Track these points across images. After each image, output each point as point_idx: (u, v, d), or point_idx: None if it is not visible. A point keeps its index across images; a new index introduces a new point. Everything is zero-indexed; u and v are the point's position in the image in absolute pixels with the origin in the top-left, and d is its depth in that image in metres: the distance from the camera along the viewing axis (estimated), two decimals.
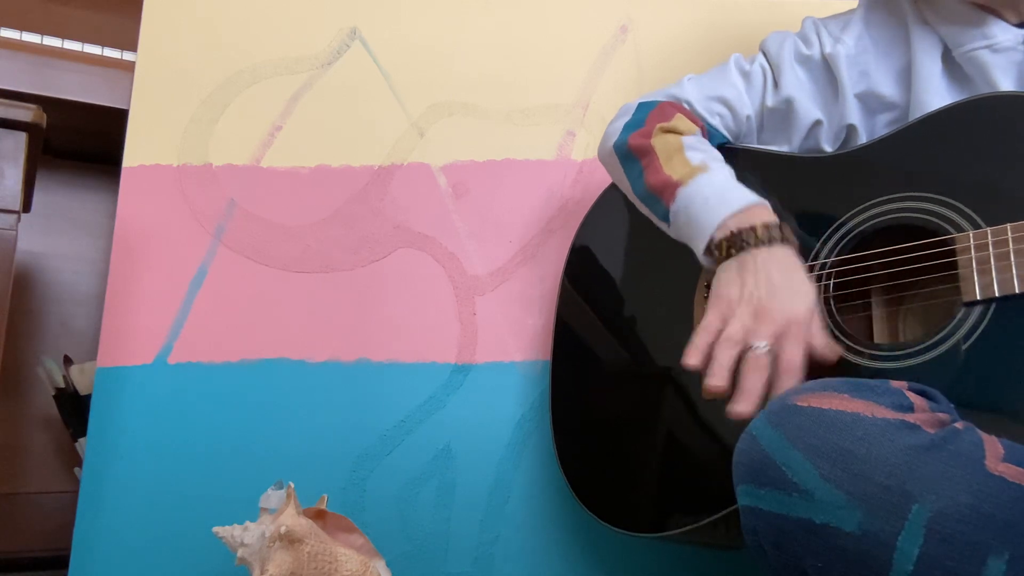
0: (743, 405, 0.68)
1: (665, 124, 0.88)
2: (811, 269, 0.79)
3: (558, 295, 1.03)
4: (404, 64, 1.16)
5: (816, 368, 0.71)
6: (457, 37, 1.18)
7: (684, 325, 0.88)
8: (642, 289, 0.94)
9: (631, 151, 0.89)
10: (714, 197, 0.79)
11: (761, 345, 0.70)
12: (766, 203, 0.79)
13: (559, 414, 0.98)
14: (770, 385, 0.69)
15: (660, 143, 0.87)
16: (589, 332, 0.98)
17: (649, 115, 0.91)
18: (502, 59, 1.18)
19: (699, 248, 0.79)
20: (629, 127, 0.91)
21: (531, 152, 1.15)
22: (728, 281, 0.75)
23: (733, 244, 0.76)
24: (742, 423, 0.63)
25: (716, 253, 0.77)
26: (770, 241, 0.75)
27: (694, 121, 0.91)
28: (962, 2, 0.81)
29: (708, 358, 0.72)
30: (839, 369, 0.72)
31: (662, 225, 0.86)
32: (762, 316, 0.71)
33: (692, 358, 0.72)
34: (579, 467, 0.93)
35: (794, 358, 0.69)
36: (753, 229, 0.75)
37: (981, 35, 0.79)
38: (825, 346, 0.71)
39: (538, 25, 1.20)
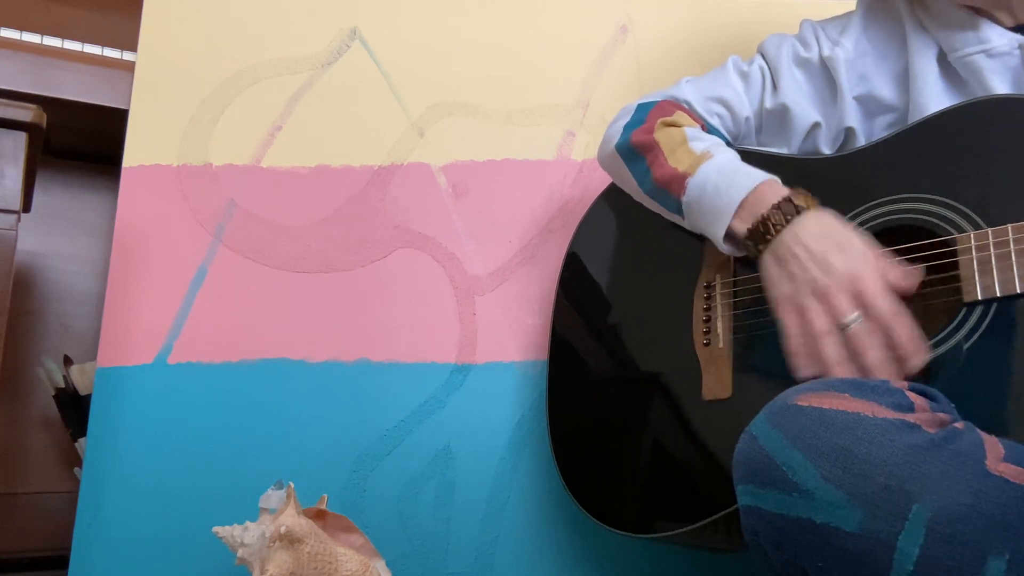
0: (894, 372, 0.65)
1: (667, 118, 0.88)
2: None
3: (554, 298, 1.03)
4: (404, 64, 1.16)
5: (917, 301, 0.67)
6: (457, 37, 1.18)
7: (682, 326, 0.87)
8: (638, 292, 0.94)
9: (634, 148, 0.89)
10: (723, 183, 0.79)
11: (849, 319, 0.67)
12: (774, 178, 0.78)
13: (556, 417, 0.98)
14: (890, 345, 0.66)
15: (663, 137, 0.87)
16: (585, 335, 0.98)
17: (650, 113, 0.91)
18: (502, 59, 1.18)
19: (717, 236, 0.79)
20: (630, 126, 0.90)
21: (531, 152, 1.15)
22: (775, 279, 0.74)
23: (758, 240, 0.75)
24: (740, 424, 0.62)
25: (741, 247, 0.77)
26: (787, 219, 0.73)
27: (694, 119, 0.91)
28: (957, 7, 0.81)
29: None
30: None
31: (675, 218, 0.86)
32: (827, 294, 0.69)
33: (806, 370, 0.70)
34: (577, 470, 0.93)
35: (885, 308, 0.66)
36: (766, 219, 0.74)
37: (976, 39, 0.79)
38: (903, 275, 0.69)
39: (538, 25, 1.20)
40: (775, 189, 0.77)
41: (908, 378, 0.65)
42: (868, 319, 0.67)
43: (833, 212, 0.74)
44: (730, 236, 0.79)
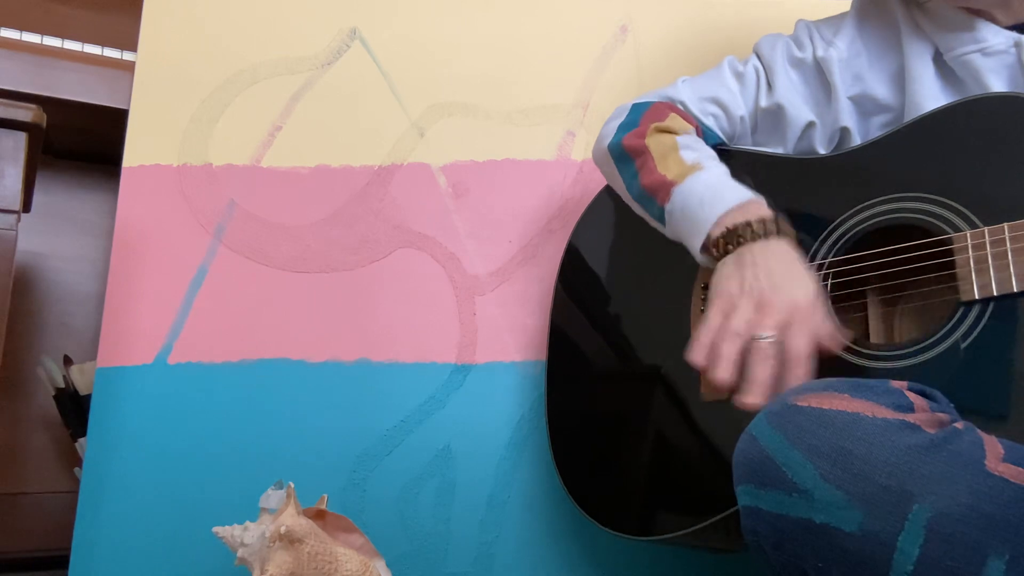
0: (753, 396, 0.67)
1: (660, 124, 0.88)
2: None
3: (553, 297, 1.03)
4: (404, 64, 1.16)
5: (823, 360, 0.70)
6: (457, 37, 1.18)
7: (680, 326, 0.88)
8: (637, 291, 0.94)
9: (625, 151, 0.89)
10: (709, 195, 0.79)
11: (766, 335, 0.69)
12: (761, 199, 0.79)
13: (555, 417, 0.98)
14: (777, 377, 0.68)
15: (654, 143, 0.87)
16: (584, 335, 0.98)
17: (643, 115, 0.91)
18: (502, 59, 1.18)
19: (695, 247, 0.79)
20: (623, 128, 0.91)
21: (531, 152, 1.15)
22: (727, 276, 0.75)
23: (730, 240, 0.75)
24: (739, 424, 0.63)
25: (713, 251, 0.77)
26: (766, 234, 0.74)
27: (688, 121, 0.91)
28: (953, 7, 0.81)
29: (713, 355, 0.71)
30: (837, 369, 0.72)
31: (657, 225, 0.86)
32: (765, 307, 0.70)
33: (697, 355, 0.72)
34: (576, 471, 0.93)
35: (800, 347, 0.68)
36: (749, 224, 0.75)
37: (972, 39, 0.79)
38: (830, 334, 0.71)
39: (538, 25, 1.20)
40: (762, 207, 0.78)
41: (908, 378, 0.66)
42: (778, 346, 0.69)
43: (800, 255, 0.75)
44: (706, 247, 0.79)
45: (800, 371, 0.68)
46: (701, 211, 0.79)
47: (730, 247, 0.76)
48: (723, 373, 0.69)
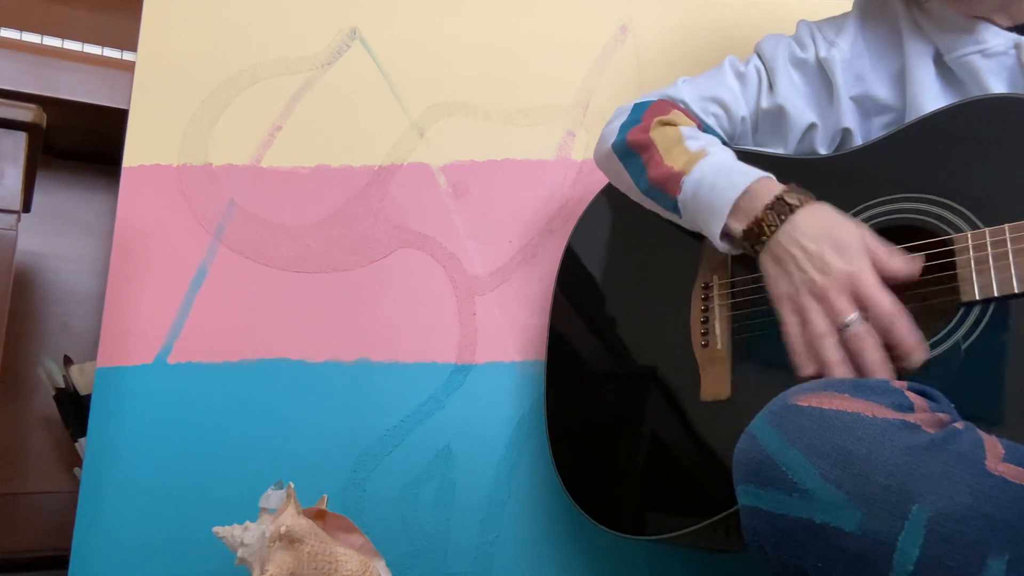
0: (887, 375, 0.65)
1: (663, 117, 0.89)
2: None
3: (552, 297, 1.03)
4: (404, 64, 1.16)
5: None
6: (457, 37, 1.18)
7: (680, 327, 0.87)
8: (636, 291, 0.94)
9: (630, 147, 0.89)
10: (719, 180, 0.79)
11: (849, 320, 0.67)
12: (769, 175, 0.78)
13: (554, 418, 0.98)
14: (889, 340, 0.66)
15: (659, 136, 0.87)
16: (583, 336, 0.98)
17: (646, 112, 0.91)
18: (502, 59, 1.18)
19: (714, 234, 0.79)
20: (626, 126, 0.91)
21: (531, 152, 1.15)
22: (775, 278, 0.74)
23: (754, 240, 0.75)
24: (739, 425, 0.63)
25: (738, 246, 0.78)
26: (781, 219, 0.73)
27: (690, 118, 0.91)
28: (953, 10, 0.81)
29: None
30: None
31: (673, 217, 0.86)
32: (825, 295, 0.69)
33: (806, 369, 0.70)
34: (576, 471, 0.93)
35: (883, 305, 0.66)
36: (761, 220, 0.74)
37: (972, 40, 0.79)
38: (903, 263, 0.69)
39: (538, 25, 1.20)
40: (769, 187, 0.77)
41: (907, 378, 0.65)
42: (867, 319, 0.67)
43: (829, 205, 0.74)
44: (727, 234, 0.79)
45: (902, 324, 0.66)
46: (713, 198, 0.79)
47: (757, 248, 0.75)
48: (844, 373, 0.67)
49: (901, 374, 0.67)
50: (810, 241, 0.71)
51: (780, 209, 0.74)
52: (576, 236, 1.04)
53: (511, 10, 1.20)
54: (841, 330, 0.68)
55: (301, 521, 0.77)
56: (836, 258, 0.69)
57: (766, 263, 0.75)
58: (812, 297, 0.70)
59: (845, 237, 0.70)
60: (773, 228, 0.74)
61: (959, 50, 0.80)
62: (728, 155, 0.83)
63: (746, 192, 0.77)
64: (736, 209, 0.77)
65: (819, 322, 0.69)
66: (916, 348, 0.66)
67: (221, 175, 1.10)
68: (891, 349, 0.67)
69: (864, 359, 0.67)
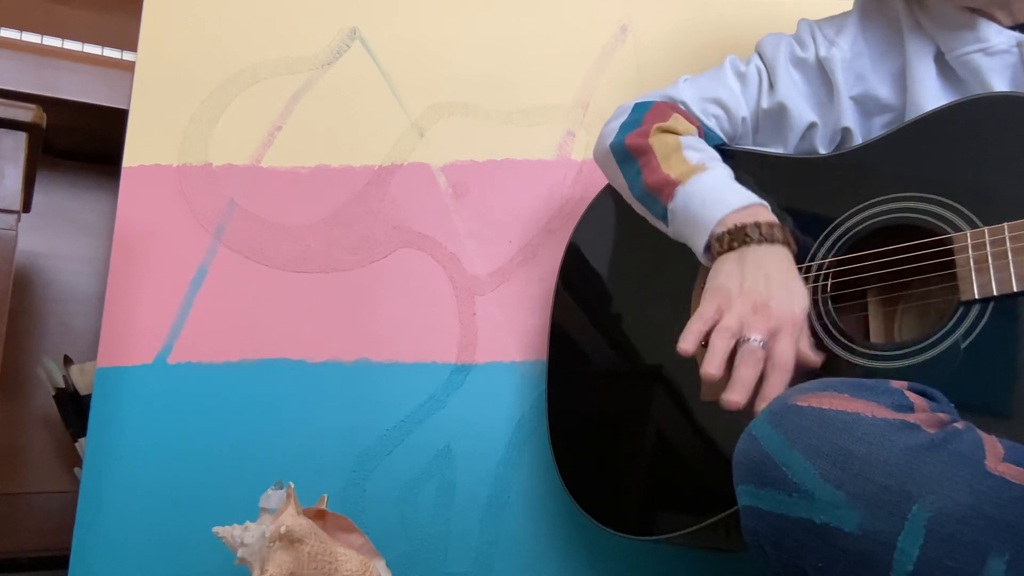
0: (737, 395, 0.69)
1: (663, 124, 0.88)
2: (808, 269, 0.79)
3: (553, 296, 1.03)
4: (404, 64, 1.16)
5: (802, 373, 0.71)
6: (457, 37, 1.18)
7: (680, 327, 0.87)
8: (638, 290, 0.94)
9: (628, 151, 0.89)
10: (713, 196, 0.79)
11: (756, 338, 0.70)
12: (765, 203, 0.79)
13: (555, 417, 0.98)
14: (759, 380, 0.70)
15: (658, 142, 0.87)
16: (585, 334, 0.98)
17: (646, 115, 0.91)
18: (502, 59, 1.18)
19: (699, 246, 0.79)
20: (626, 127, 0.91)
21: (531, 152, 1.15)
22: (728, 273, 0.75)
23: (735, 237, 0.76)
24: (739, 424, 0.63)
25: (716, 246, 0.77)
26: (772, 240, 0.75)
27: (691, 122, 0.91)
28: (955, 7, 0.81)
29: (702, 346, 0.72)
30: (838, 369, 0.73)
31: (660, 225, 0.86)
32: (760, 311, 0.71)
33: (687, 343, 0.73)
34: (576, 471, 0.93)
35: (787, 355, 0.70)
36: (757, 225, 0.75)
37: (974, 39, 0.79)
38: (809, 352, 0.72)
39: (538, 25, 1.20)
40: (765, 211, 0.78)
41: (907, 378, 0.66)
42: (764, 350, 0.70)
43: (798, 267, 0.77)
44: (709, 247, 0.79)
45: (783, 377, 0.69)
46: (704, 211, 0.79)
47: (735, 244, 0.76)
48: (714, 368, 0.70)
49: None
50: (777, 271, 0.74)
51: (774, 233, 0.76)
52: (578, 235, 1.04)
53: (511, 10, 1.20)
54: (742, 341, 0.71)
55: (301, 521, 0.77)
56: (788, 297, 0.72)
57: (728, 261, 0.76)
58: (748, 303, 0.72)
59: (802, 292, 0.73)
60: (760, 240, 0.75)
61: (960, 48, 0.80)
62: (726, 173, 0.83)
63: (740, 210, 0.77)
64: (724, 222, 0.77)
65: (736, 323, 0.72)
66: (763, 401, 0.68)
67: (221, 175, 1.10)
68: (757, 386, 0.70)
69: (737, 371, 0.70)
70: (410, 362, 1.07)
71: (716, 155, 0.87)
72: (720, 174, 0.82)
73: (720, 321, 0.73)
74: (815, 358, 0.72)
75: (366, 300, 1.08)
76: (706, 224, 0.78)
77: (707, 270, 0.87)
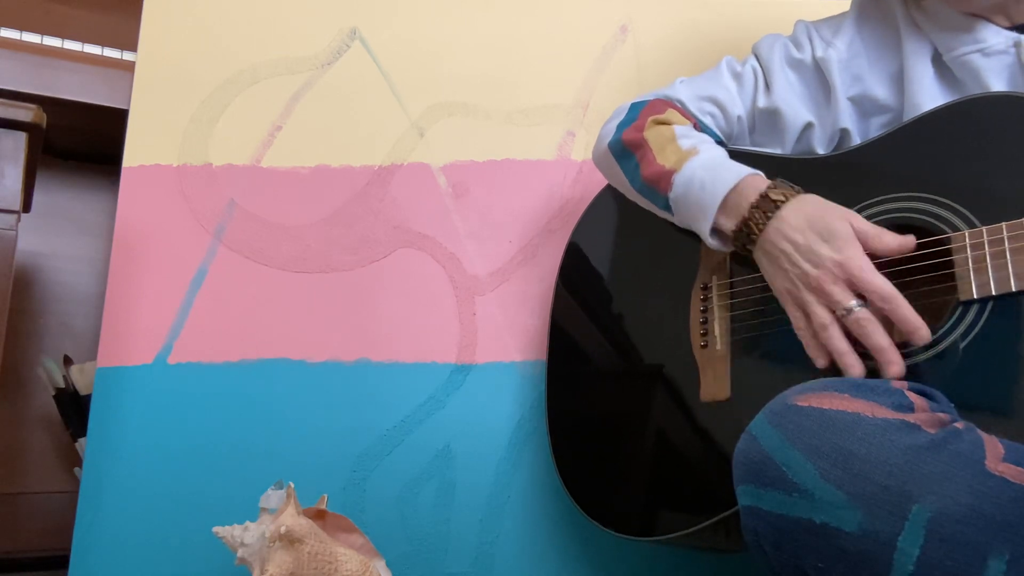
0: (890, 367, 0.66)
1: (658, 116, 0.89)
2: None
3: (553, 296, 1.03)
4: (404, 64, 1.16)
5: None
6: (457, 37, 1.18)
7: (680, 326, 0.88)
8: (637, 291, 0.94)
9: (625, 146, 0.89)
10: (707, 178, 0.79)
11: (848, 307, 0.68)
12: (757, 172, 0.78)
13: (555, 417, 0.98)
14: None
15: (653, 135, 0.87)
16: (585, 334, 0.98)
17: (642, 111, 0.91)
18: (502, 59, 1.18)
19: (704, 231, 0.80)
20: (622, 125, 0.91)
21: (531, 152, 1.15)
22: (771, 276, 0.75)
23: (745, 240, 0.76)
24: (739, 424, 0.63)
25: (729, 243, 0.78)
26: (767, 216, 0.74)
27: (687, 117, 0.91)
28: (953, 9, 0.81)
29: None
30: (839, 369, 0.73)
31: (666, 215, 0.86)
32: (820, 287, 0.70)
33: (819, 360, 0.71)
34: (576, 471, 0.93)
35: (880, 289, 0.67)
36: (747, 220, 0.75)
37: (972, 39, 0.79)
38: (894, 242, 0.70)
39: (538, 25, 1.20)
40: (755, 184, 0.77)
41: (905, 378, 0.66)
42: (866, 303, 0.68)
43: (815, 196, 0.74)
44: (717, 231, 0.79)
45: (902, 306, 0.66)
46: (703, 196, 0.79)
47: (748, 246, 0.76)
48: (854, 369, 0.68)
49: (906, 356, 0.68)
50: (798, 234, 0.72)
51: (766, 207, 0.74)
52: (577, 235, 1.04)
53: (511, 10, 1.20)
54: (842, 318, 0.68)
55: (301, 521, 0.77)
56: (825, 248, 0.70)
57: (760, 260, 0.76)
58: (809, 290, 0.71)
59: (833, 225, 0.70)
60: (761, 226, 0.74)
61: (958, 49, 0.80)
62: (718, 152, 0.83)
63: (734, 189, 0.77)
64: (724, 206, 0.77)
65: (820, 313, 0.70)
66: (918, 327, 0.66)
67: (221, 175, 1.10)
68: (894, 332, 0.67)
69: (869, 343, 0.67)
70: (410, 362, 1.07)
71: (708, 138, 0.87)
72: (711, 154, 0.82)
73: (811, 323, 0.71)
74: (904, 244, 0.69)
75: (366, 300, 1.08)
76: (706, 210, 0.79)
77: (706, 272, 0.87)
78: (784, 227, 0.73)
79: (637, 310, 0.94)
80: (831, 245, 0.69)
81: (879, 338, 0.67)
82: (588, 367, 0.97)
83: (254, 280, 1.07)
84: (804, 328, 0.72)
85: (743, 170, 0.78)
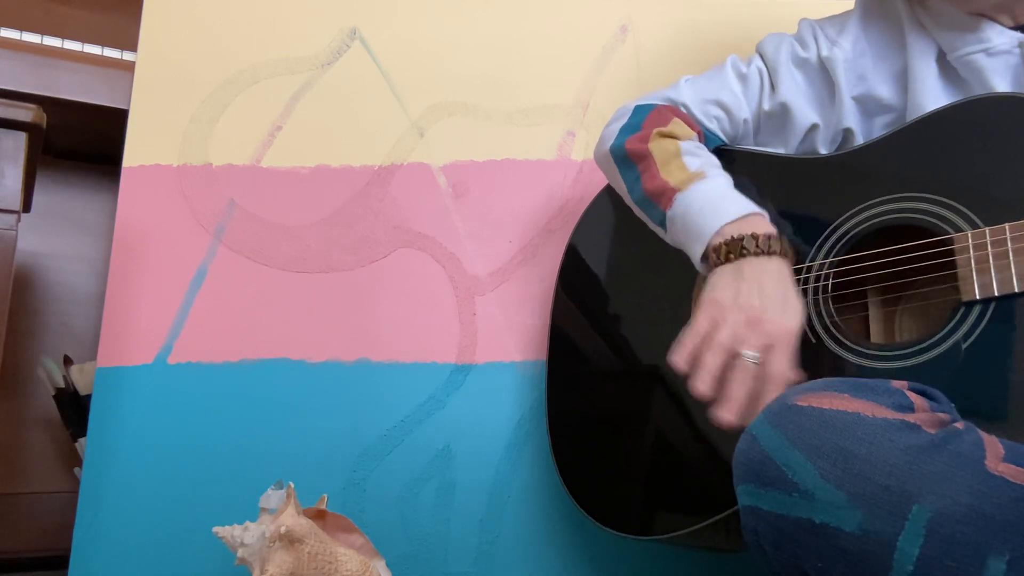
0: (727, 413, 0.69)
1: (663, 129, 0.88)
2: (809, 270, 0.79)
3: (553, 297, 1.03)
4: (404, 64, 1.16)
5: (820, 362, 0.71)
6: (457, 37, 1.18)
7: (680, 327, 0.87)
8: (637, 291, 0.94)
9: (628, 156, 0.89)
10: (711, 205, 0.79)
11: (751, 355, 0.70)
12: (764, 213, 0.79)
13: (555, 417, 0.98)
14: (752, 395, 0.69)
15: (657, 148, 0.87)
16: (584, 334, 0.98)
17: (646, 119, 0.91)
18: (502, 59, 1.18)
19: (696, 254, 0.79)
20: (626, 130, 0.90)
21: (531, 152, 1.15)
22: (723, 286, 0.75)
23: (732, 249, 0.76)
24: (737, 428, 0.63)
25: (714, 257, 0.77)
26: (769, 252, 0.75)
27: (691, 125, 0.91)
28: (957, 8, 0.81)
29: (695, 360, 0.72)
30: (839, 369, 0.72)
31: (658, 231, 0.86)
32: (755, 325, 0.71)
33: (679, 359, 0.73)
34: (576, 470, 0.93)
35: (782, 370, 0.70)
36: (754, 237, 0.75)
37: (976, 39, 0.79)
38: (794, 372, 0.72)
39: (538, 25, 1.20)
40: (764, 222, 0.78)
41: (909, 378, 0.65)
42: (761, 367, 0.70)
43: (795, 279, 0.76)
44: (706, 255, 0.79)
45: (776, 393, 0.67)
46: (702, 219, 0.79)
47: (731, 256, 0.76)
48: (703, 386, 0.70)
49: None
50: (773, 283, 0.73)
51: (772, 245, 0.75)
52: (577, 235, 1.04)
53: (511, 10, 1.20)
54: (735, 356, 0.70)
55: (301, 521, 0.77)
56: (782, 311, 0.72)
57: (724, 274, 0.76)
58: (742, 317, 0.72)
59: (798, 306, 0.73)
60: (757, 252, 0.75)
61: (962, 49, 0.80)
62: (725, 182, 0.83)
63: (737, 220, 0.77)
64: (722, 232, 0.77)
65: (729, 338, 0.71)
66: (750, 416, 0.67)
67: (221, 175, 1.10)
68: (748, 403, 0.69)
69: (730, 388, 0.70)
70: (410, 362, 1.07)
71: (716, 161, 0.87)
72: (719, 182, 0.82)
73: (710, 334, 0.72)
74: (795, 376, 0.72)
75: (366, 300, 1.08)
76: (703, 233, 0.78)
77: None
78: (769, 270, 0.74)
79: (637, 310, 0.94)
80: (787, 316, 0.72)
81: (739, 389, 0.69)
82: (588, 367, 0.97)
83: (254, 280, 1.07)
84: (698, 334, 0.73)
85: (751, 206, 0.79)
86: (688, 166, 0.84)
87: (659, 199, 0.84)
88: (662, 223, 0.84)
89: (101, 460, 0.98)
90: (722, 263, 0.76)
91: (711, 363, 0.71)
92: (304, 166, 1.11)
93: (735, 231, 0.76)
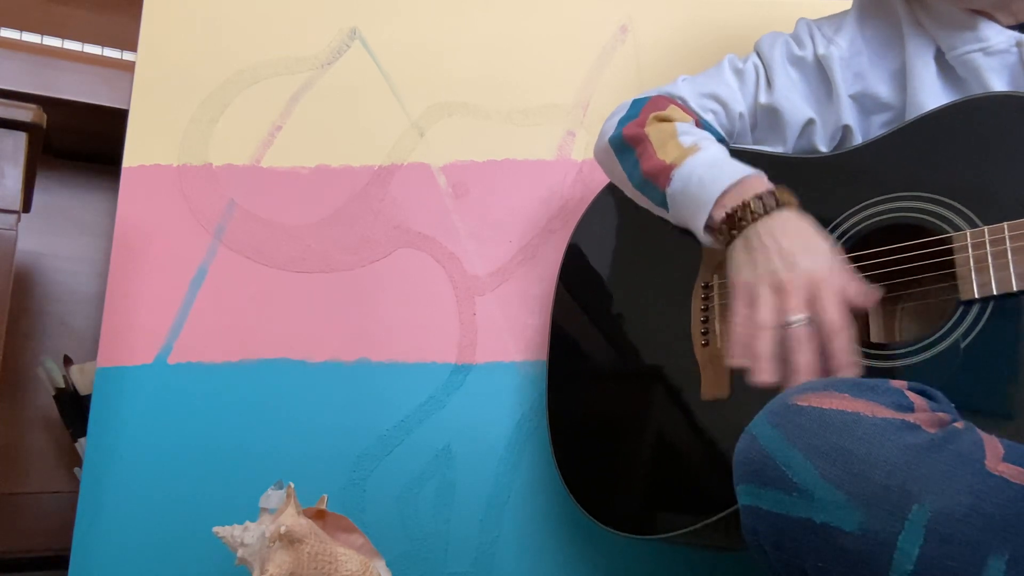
0: (806, 378, 0.65)
1: (659, 113, 0.89)
2: None
3: (554, 296, 1.03)
4: (404, 64, 1.16)
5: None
6: (457, 37, 1.18)
7: (680, 326, 0.88)
8: (638, 291, 0.94)
9: (626, 141, 0.89)
10: (707, 175, 0.79)
11: (796, 319, 0.67)
12: (760, 173, 0.78)
13: (556, 416, 0.98)
14: (821, 353, 0.67)
15: (654, 130, 0.87)
16: (585, 334, 0.98)
17: (643, 107, 0.91)
18: (502, 59, 1.18)
19: (698, 227, 0.79)
20: (623, 120, 0.91)
21: (531, 152, 1.15)
22: (740, 264, 0.74)
23: (733, 226, 0.75)
24: (739, 424, 0.62)
25: (720, 238, 0.77)
26: (767, 210, 0.74)
27: (688, 114, 0.91)
28: (955, 6, 0.81)
29: (749, 351, 0.69)
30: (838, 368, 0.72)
31: (661, 211, 0.86)
32: (784, 289, 0.69)
33: (736, 358, 0.70)
34: (576, 470, 0.93)
35: (833, 318, 0.67)
36: (747, 205, 0.75)
37: (974, 38, 0.79)
38: (859, 292, 0.69)
39: (538, 25, 1.20)
40: (760, 181, 0.77)
41: (907, 378, 0.65)
42: (812, 324, 0.68)
43: (812, 218, 0.75)
44: (710, 227, 0.79)
45: (841, 342, 0.66)
46: (701, 191, 0.79)
47: (734, 232, 0.76)
48: (764, 375, 0.67)
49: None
50: (786, 238, 0.72)
51: (768, 202, 0.74)
52: (578, 235, 1.04)
53: (511, 10, 1.20)
54: (784, 326, 0.68)
55: (301, 521, 0.77)
56: (805, 259, 0.70)
57: (737, 250, 0.75)
58: (770, 288, 0.70)
59: (819, 246, 0.71)
60: (757, 215, 0.74)
61: (960, 47, 0.80)
62: (720, 151, 0.83)
63: (736, 183, 0.77)
64: (723, 198, 0.77)
65: (766, 314, 0.69)
66: (847, 367, 0.66)
67: (221, 175, 1.10)
68: (824, 360, 0.67)
69: (795, 359, 0.67)
70: (410, 362, 1.07)
71: (710, 135, 0.87)
72: (713, 151, 0.82)
73: (752, 320, 0.70)
74: (868, 296, 0.69)
75: (366, 300, 1.08)
76: (703, 205, 0.78)
77: (707, 271, 0.87)
78: (776, 226, 0.73)
79: (637, 309, 0.94)
80: (812, 259, 0.70)
81: (806, 357, 0.66)
82: (588, 366, 0.97)
83: (254, 280, 1.07)
84: (741, 323, 0.71)
85: (746, 169, 0.78)
86: (683, 143, 0.84)
87: (657, 179, 0.84)
88: (663, 203, 0.84)
89: (101, 460, 0.98)
90: (731, 241, 0.76)
91: (762, 348, 0.68)
92: (304, 166, 1.11)
93: (731, 202, 0.76)
